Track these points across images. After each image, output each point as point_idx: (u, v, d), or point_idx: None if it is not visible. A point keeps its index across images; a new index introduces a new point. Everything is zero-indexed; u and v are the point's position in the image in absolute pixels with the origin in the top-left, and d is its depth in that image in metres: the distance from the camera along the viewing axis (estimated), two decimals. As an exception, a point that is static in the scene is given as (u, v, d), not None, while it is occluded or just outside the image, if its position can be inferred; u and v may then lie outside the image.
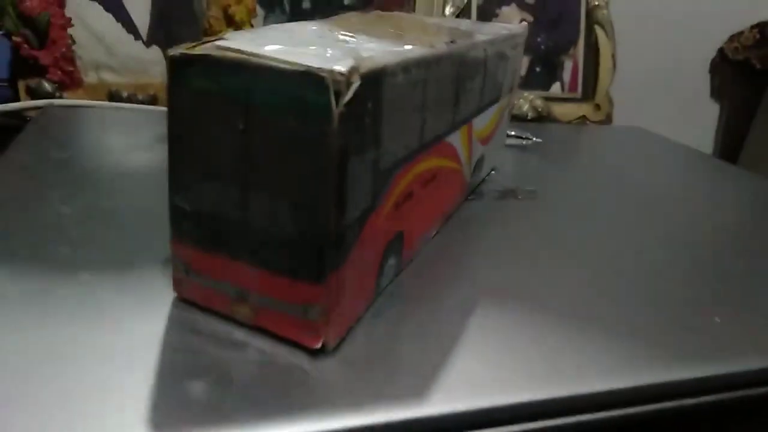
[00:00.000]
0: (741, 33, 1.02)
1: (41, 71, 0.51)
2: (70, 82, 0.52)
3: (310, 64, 0.17)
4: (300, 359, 0.20)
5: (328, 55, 0.18)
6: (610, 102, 0.72)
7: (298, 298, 0.20)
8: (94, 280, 0.24)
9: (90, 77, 0.52)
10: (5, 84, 0.53)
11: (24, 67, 0.51)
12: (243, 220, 0.20)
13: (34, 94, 0.51)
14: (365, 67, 0.18)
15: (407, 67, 0.20)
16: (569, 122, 0.69)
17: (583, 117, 0.70)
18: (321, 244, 0.19)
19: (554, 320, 0.25)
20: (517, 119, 0.64)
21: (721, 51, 1.03)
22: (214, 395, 0.19)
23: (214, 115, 0.19)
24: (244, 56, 0.18)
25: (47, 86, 0.51)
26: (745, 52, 0.97)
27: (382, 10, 0.37)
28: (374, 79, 0.18)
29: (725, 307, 0.27)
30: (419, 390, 0.20)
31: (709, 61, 1.03)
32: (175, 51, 0.19)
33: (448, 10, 0.64)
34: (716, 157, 0.80)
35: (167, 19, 0.54)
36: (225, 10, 0.53)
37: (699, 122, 1.06)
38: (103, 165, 0.37)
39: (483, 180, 0.39)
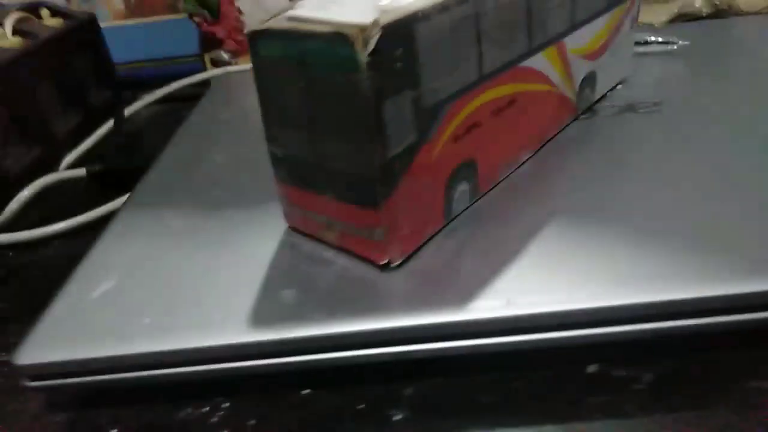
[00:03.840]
0: None
1: (219, 43, 0.61)
2: (242, 49, 0.61)
3: (340, 24, 0.21)
4: (371, 273, 0.25)
5: (360, 11, 0.21)
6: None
7: (364, 223, 0.24)
8: (234, 216, 0.31)
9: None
10: (197, 58, 0.64)
11: (206, 42, 0.61)
12: (316, 161, 0.25)
13: (215, 64, 0.61)
14: (386, 19, 0.21)
15: (446, 7, 0.22)
16: (758, 13, 0.58)
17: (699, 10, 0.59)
18: (370, 176, 0.23)
19: (632, 235, 0.25)
20: (691, 18, 0.57)
21: None
22: (299, 301, 0.24)
23: (283, 76, 0.24)
24: (292, 25, 0.22)
25: (224, 55, 0.61)
26: None
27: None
28: (401, 28, 0.21)
29: None
30: (465, 297, 0.23)
31: None
32: (252, 26, 0.23)
33: None
34: None
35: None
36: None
37: None
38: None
39: (604, 96, 0.38)
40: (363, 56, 0.20)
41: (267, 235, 0.29)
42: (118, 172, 0.44)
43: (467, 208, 0.28)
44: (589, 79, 0.35)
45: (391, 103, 0.21)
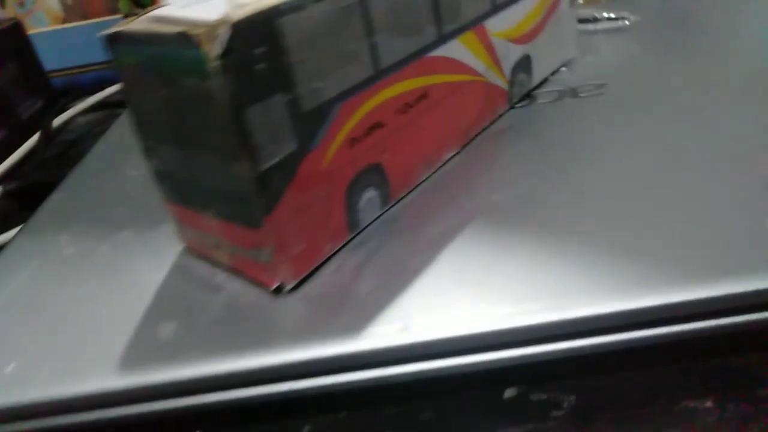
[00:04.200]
0: None
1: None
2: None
3: (189, 24, 0.18)
4: (263, 300, 0.22)
5: (218, 8, 0.19)
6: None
7: (249, 243, 0.21)
8: (131, 237, 0.28)
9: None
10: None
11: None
12: (191, 177, 0.22)
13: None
14: (239, 15, 0.18)
15: (301, 6, 0.19)
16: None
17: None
18: (244, 192, 0.20)
19: (555, 244, 0.23)
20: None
21: None
22: (177, 336, 0.22)
23: (144, 84, 0.21)
24: (146, 27, 0.19)
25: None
26: None
27: None
28: (260, 24, 0.18)
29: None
30: (362, 323, 0.21)
31: None
32: (110, 29, 0.21)
33: None
34: None
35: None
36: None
37: None
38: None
39: (545, 81, 0.35)
40: (212, 59, 0.17)
41: (161, 257, 0.26)
42: (38, 188, 0.41)
43: (379, 216, 0.25)
44: (523, 64, 0.32)
45: (257, 110, 0.18)
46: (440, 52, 0.25)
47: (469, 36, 0.27)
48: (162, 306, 0.23)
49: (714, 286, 0.19)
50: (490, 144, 0.30)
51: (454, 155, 0.29)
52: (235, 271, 0.23)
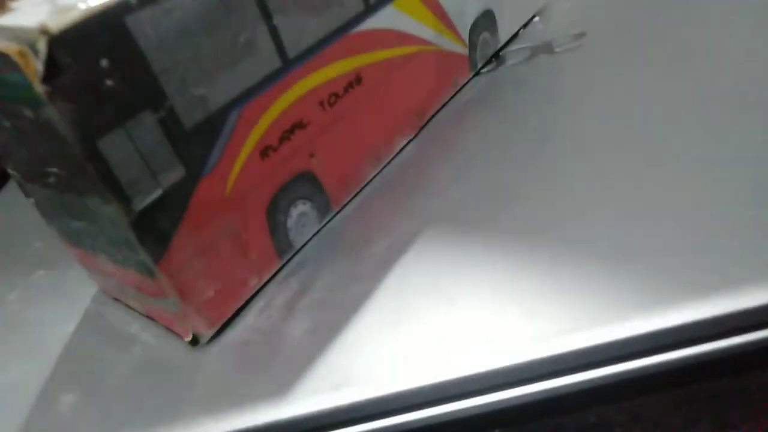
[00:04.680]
0: None
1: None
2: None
3: (11, 33, 0.13)
4: (178, 355, 0.19)
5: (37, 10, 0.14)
6: None
7: (151, 292, 0.18)
8: (44, 280, 0.24)
9: None
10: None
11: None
12: (71, 218, 0.18)
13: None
14: (63, 21, 0.13)
15: None
16: None
17: None
18: (122, 238, 0.16)
19: (527, 255, 0.18)
20: None
21: None
22: (77, 409, 0.18)
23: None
24: None
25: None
26: None
27: None
28: (97, 28, 0.13)
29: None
30: (288, 380, 0.17)
31: None
32: None
33: None
34: None
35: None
36: None
37: None
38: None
39: (515, 36, 0.29)
40: (37, 83, 0.13)
41: (75, 303, 0.23)
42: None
43: (318, 231, 0.21)
44: (485, 21, 0.27)
45: (114, 139, 0.14)
46: (369, 24, 0.20)
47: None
48: (66, 370, 0.20)
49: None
50: (450, 125, 0.25)
51: (410, 142, 0.24)
52: (151, 318, 0.19)
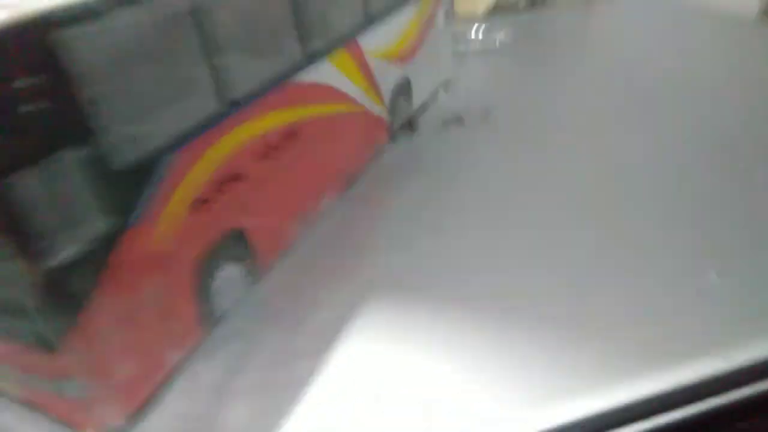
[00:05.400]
0: None
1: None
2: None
3: None
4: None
5: None
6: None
7: (47, 371, 0.13)
8: None
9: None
10: None
11: None
12: None
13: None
14: None
15: (97, 12, 0.12)
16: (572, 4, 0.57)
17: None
18: (21, 301, 0.11)
19: (477, 323, 0.16)
20: (510, 10, 0.53)
21: None
22: None
23: None
24: None
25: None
26: None
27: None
28: (17, 42, 0.10)
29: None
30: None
31: None
32: None
33: None
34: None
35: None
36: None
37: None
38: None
39: (424, 105, 0.30)
40: None
41: None
42: None
43: (244, 296, 0.17)
44: (403, 88, 0.27)
45: (28, 179, 0.10)
46: (309, 76, 0.19)
47: (342, 56, 0.21)
48: None
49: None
50: (375, 188, 0.24)
51: (334, 203, 0.22)
52: (34, 406, 0.15)
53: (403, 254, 0.21)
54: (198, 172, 0.19)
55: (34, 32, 0.12)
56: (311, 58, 0.23)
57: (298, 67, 0.22)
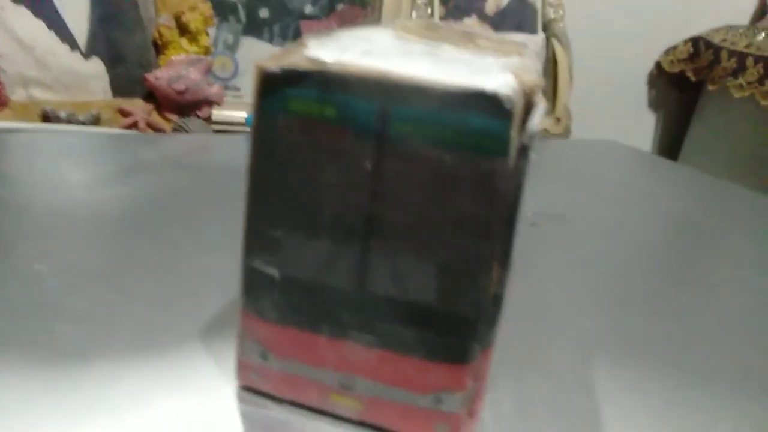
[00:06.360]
0: (675, 47, 1.07)
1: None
2: (-5, 101, 0.43)
3: (475, 82, 0.13)
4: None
5: (472, 69, 0.14)
6: (569, 115, 0.72)
7: (429, 384, 0.15)
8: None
9: (17, 95, 0.43)
10: None
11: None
12: (358, 289, 0.15)
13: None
14: (528, 84, 0.13)
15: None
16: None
17: (544, 131, 0.70)
18: (474, 316, 0.14)
19: None
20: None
21: (658, 64, 1.07)
22: None
23: (325, 150, 0.14)
24: (374, 72, 0.13)
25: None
26: (680, 65, 1.02)
27: (345, 20, 0.32)
28: (534, 101, 0.14)
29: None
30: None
31: (648, 74, 1.07)
32: (268, 63, 0.14)
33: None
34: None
35: (108, 26, 0.46)
36: (178, 18, 0.46)
37: (639, 131, 1.10)
38: (44, 205, 0.30)
39: None
40: (513, 134, 0.13)
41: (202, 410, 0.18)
42: None
43: None
44: None
45: (520, 209, 0.14)
46: None
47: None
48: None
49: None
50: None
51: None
52: (363, 424, 0.16)
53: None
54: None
55: (534, 96, 0.12)
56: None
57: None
